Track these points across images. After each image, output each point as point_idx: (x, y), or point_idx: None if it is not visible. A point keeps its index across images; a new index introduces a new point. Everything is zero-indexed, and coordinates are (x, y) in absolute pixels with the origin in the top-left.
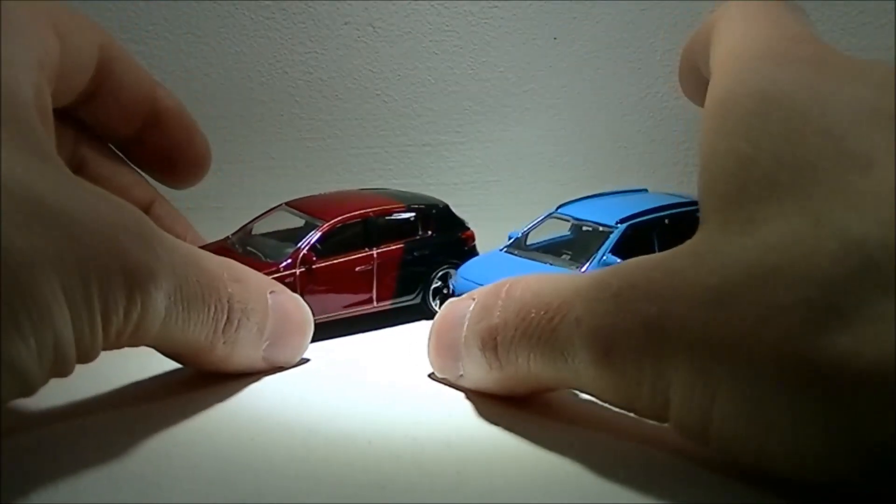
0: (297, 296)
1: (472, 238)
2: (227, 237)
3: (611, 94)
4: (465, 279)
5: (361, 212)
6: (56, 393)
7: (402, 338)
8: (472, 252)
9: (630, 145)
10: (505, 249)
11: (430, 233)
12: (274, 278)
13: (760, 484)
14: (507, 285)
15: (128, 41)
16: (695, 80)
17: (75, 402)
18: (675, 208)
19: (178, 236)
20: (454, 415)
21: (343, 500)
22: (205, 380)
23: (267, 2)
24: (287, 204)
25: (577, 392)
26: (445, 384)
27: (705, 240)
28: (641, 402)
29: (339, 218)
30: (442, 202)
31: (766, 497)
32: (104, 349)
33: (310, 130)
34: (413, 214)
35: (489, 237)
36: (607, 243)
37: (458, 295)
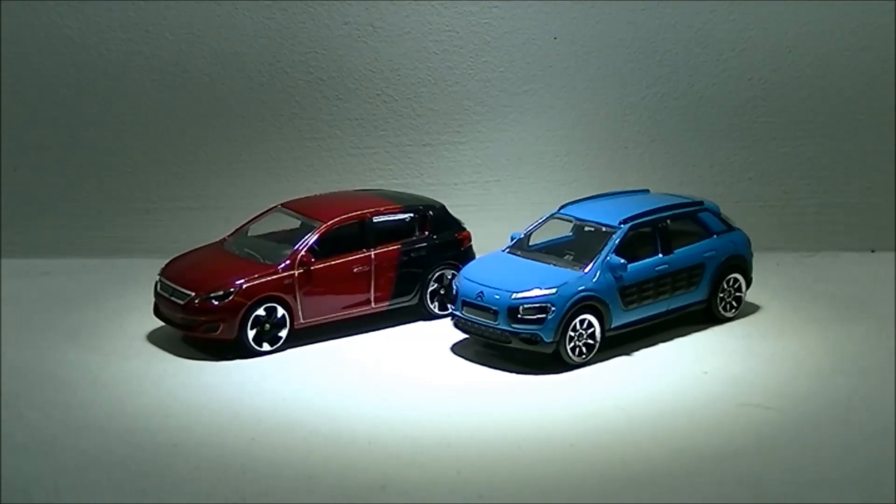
0: None
1: (469, 239)
2: (224, 239)
3: (611, 94)
4: (469, 280)
5: (359, 213)
6: (56, 393)
7: (400, 339)
8: (469, 253)
9: (630, 145)
10: (507, 250)
11: (426, 234)
12: (272, 280)
13: (758, 484)
14: None
15: (128, 41)
16: None
17: (76, 403)
18: (677, 209)
19: None
20: (454, 415)
21: (343, 500)
22: (205, 381)
23: (267, 2)
24: (283, 205)
25: (576, 394)
26: (444, 384)
27: None
28: None
29: (337, 219)
30: (439, 203)
31: (764, 497)
32: None
33: (310, 130)
34: (410, 215)
35: (489, 237)
36: (610, 244)
37: (462, 295)
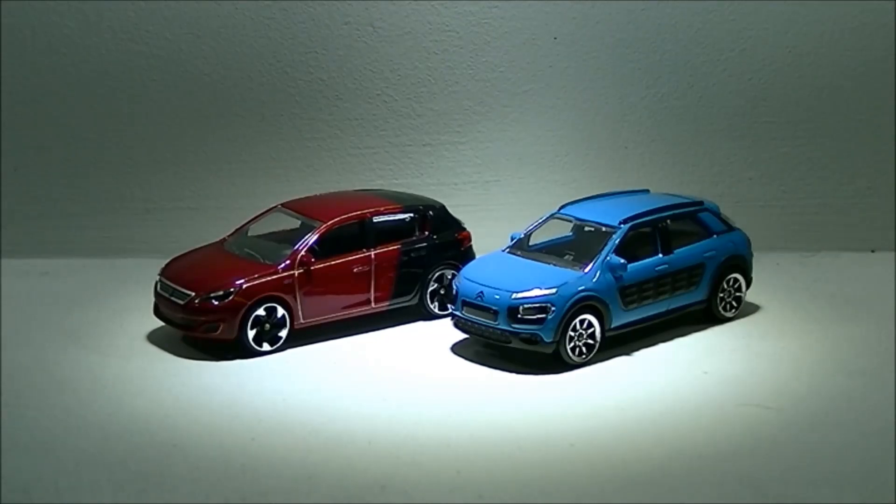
0: None
1: (469, 239)
2: (224, 239)
3: (611, 94)
4: (469, 280)
5: (359, 213)
6: (56, 393)
7: (400, 338)
8: (469, 253)
9: (630, 145)
10: (507, 250)
11: (426, 234)
12: (272, 280)
13: (758, 484)
14: None
15: (128, 41)
16: None
17: (76, 403)
18: (677, 209)
19: None
20: (454, 415)
21: (343, 500)
22: (205, 381)
23: (267, 2)
24: (283, 205)
25: (576, 394)
26: (445, 384)
27: None
28: None
29: (337, 219)
30: (439, 203)
31: (764, 497)
32: None
33: (310, 130)
34: (410, 215)
35: (489, 237)
36: (610, 244)
37: (462, 295)
